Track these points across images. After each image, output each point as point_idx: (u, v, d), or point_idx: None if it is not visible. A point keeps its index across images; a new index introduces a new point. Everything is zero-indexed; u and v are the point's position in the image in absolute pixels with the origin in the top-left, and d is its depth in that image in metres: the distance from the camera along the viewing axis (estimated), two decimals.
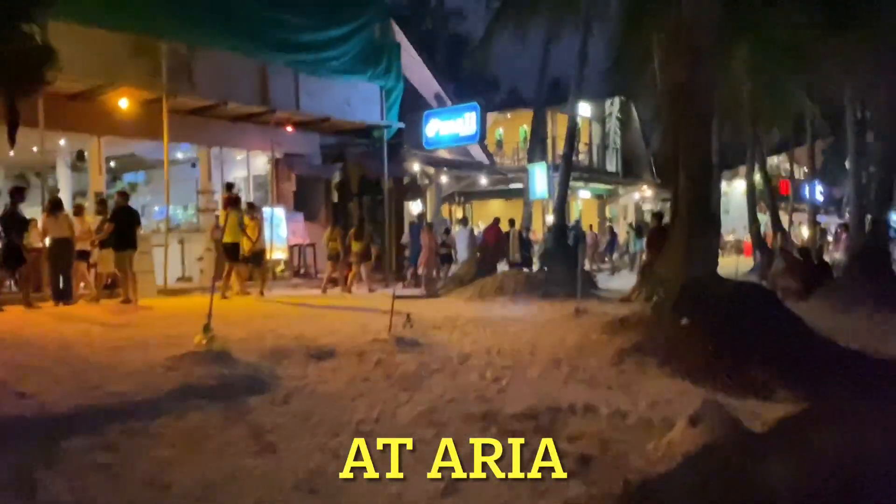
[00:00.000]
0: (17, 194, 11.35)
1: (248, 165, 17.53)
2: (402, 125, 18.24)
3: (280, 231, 16.51)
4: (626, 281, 19.20)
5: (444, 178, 23.10)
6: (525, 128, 32.73)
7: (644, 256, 13.80)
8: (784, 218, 42.31)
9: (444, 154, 22.98)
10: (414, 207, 22.85)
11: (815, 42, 11.96)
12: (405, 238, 17.97)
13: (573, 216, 30.54)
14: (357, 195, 18.74)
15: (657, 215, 13.37)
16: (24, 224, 11.27)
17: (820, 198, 46.17)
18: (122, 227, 11.76)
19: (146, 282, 12.91)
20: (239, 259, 12.83)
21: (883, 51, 11.47)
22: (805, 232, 37.67)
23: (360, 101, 17.59)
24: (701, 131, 8.34)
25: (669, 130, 11.95)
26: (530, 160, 28.09)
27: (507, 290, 11.98)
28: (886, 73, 12.48)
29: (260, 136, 16.28)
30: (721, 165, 39.48)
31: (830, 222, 41.72)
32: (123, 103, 13.90)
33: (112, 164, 18.77)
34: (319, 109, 16.78)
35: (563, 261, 16.85)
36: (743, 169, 43.53)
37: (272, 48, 15.17)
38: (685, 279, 8.54)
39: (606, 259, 21.84)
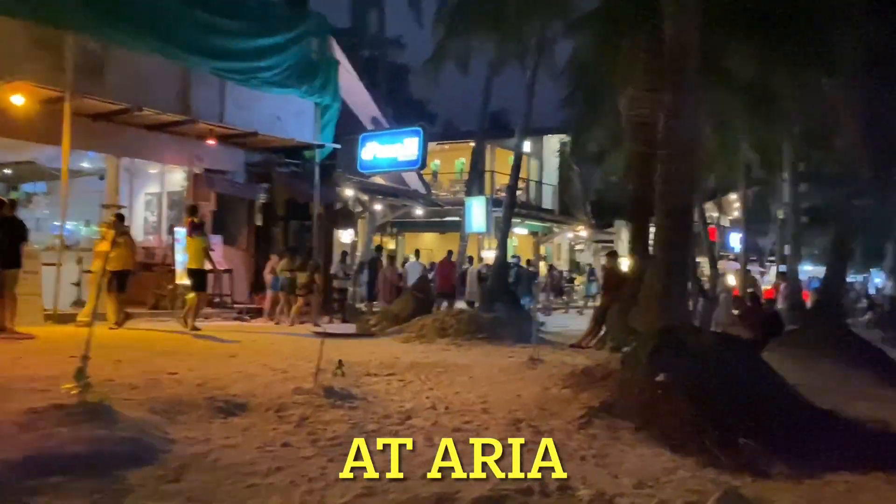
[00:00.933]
0: None
1: (162, 180, 15.85)
2: (336, 146, 16.96)
3: None
4: (564, 321, 18.33)
5: (377, 207, 21.85)
6: (462, 160, 31.98)
7: (598, 300, 12.87)
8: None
9: (379, 181, 21.79)
10: (345, 236, 21.47)
11: (778, 79, 11.40)
12: (335, 268, 16.59)
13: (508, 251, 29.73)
14: (283, 219, 17.26)
15: (612, 254, 12.48)
16: None
17: (739, 246, 47.38)
18: (4, 243, 10.04)
19: (31, 306, 11.09)
20: (205, 287, 12.33)
21: (849, 91, 11.01)
22: (731, 280, 37.72)
23: (291, 116, 16.23)
24: (683, 162, 7.42)
25: (635, 165, 11.13)
26: (468, 193, 27.18)
27: (449, 331, 10.78)
28: (846, 116, 12.07)
29: (178, 148, 14.71)
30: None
31: (752, 271, 41.88)
32: (18, 100, 12.14)
33: (7, 171, 16.76)
34: (246, 123, 15.34)
35: (506, 300, 15.86)
36: None
37: (197, 53, 13.68)
38: (660, 327, 7.58)
39: (545, 299, 20.92)
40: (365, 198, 21.68)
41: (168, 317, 13.86)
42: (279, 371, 7.66)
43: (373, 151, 16.98)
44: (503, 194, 30.51)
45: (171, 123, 14.50)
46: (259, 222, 17.21)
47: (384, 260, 18.47)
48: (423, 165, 16.38)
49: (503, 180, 30.70)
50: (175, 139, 14.92)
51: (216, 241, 15.84)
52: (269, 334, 12.09)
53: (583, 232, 32.89)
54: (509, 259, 19.73)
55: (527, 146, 30.34)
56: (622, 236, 38.69)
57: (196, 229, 12.24)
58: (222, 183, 16.04)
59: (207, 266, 12.22)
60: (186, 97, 14.44)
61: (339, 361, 6.85)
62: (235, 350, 9.25)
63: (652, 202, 8.71)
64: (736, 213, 41.02)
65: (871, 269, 41.21)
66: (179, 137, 14.62)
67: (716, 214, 46.97)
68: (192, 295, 11.94)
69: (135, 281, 13.85)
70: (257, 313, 15.35)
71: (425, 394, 7.09)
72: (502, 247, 16.37)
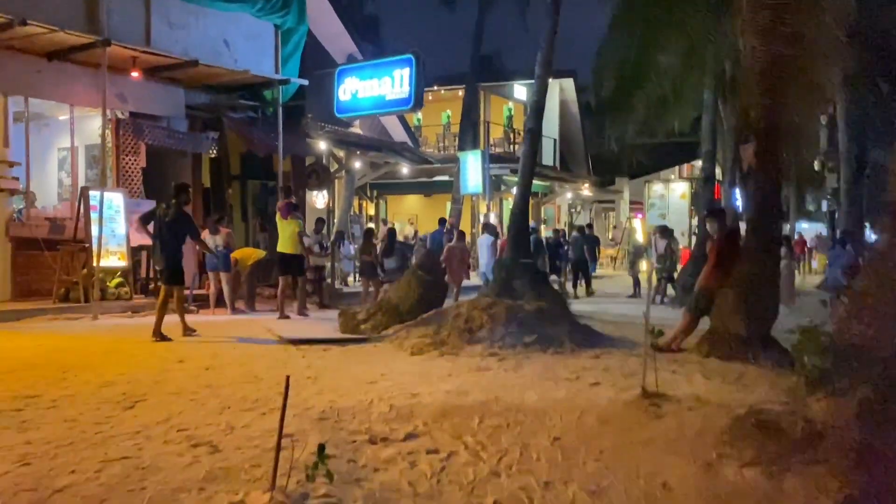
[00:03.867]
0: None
1: (71, 129, 11.92)
2: (303, 82, 13.12)
3: (117, 226, 11.06)
4: (592, 304, 14.88)
5: (357, 164, 18.06)
6: (448, 113, 28.17)
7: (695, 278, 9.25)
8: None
9: (358, 132, 17.99)
10: (318, 200, 17.68)
11: None
12: (308, 241, 12.88)
13: (504, 216, 26.17)
14: (239, 178, 13.51)
15: (716, 214, 8.89)
16: None
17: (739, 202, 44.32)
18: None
19: None
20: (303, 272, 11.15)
21: None
22: None
23: (243, 41, 12.43)
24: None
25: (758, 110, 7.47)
26: (461, 147, 23.50)
27: (480, 332, 7.21)
28: None
29: (89, 83, 10.79)
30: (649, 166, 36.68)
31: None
32: None
33: None
34: (183, 49, 11.50)
35: (530, 279, 12.31)
36: (678, 170, 41.05)
37: None
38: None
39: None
40: (341, 153, 17.88)
41: (81, 312, 10.15)
42: (205, 445, 4.03)
43: (352, 89, 13.18)
44: (498, 149, 27.02)
45: (77, 48, 10.58)
46: (207, 182, 13.43)
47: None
48: (418, 105, 12.66)
49: (498, 133, 27.03)
50: (85, 72, 10.99)
51: (149, 206, 12.04)
52: (207, 342, 8.42)
53: (586, 191, 29.39)
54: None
55: (523, 93, 26.65)
56: (625, 195, 35.41)
57: (292, 210, 10.99)
58: (155, 132, 12.17)
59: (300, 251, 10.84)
60: (95, 10, 10.54)
61: (319, 450, 3.21)
62: (141, 387, 5.57)
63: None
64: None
65: None
66: (92, 70, 10.70)
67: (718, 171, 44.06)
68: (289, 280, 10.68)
69: (34, 263, 10.17)
70: (205, 302, 11.69)
71: (493, 497, 3.56)
72: (521, 206, 12.76)
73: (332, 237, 15.41)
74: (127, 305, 10.88)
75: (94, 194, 10.54)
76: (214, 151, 12.89)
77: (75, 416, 4.56)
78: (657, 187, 34.74)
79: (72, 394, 5.14)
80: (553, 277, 14.92)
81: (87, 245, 10.53)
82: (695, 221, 36.53)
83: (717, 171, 43.45)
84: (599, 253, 20.07)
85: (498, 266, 12.81)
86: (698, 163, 43.54)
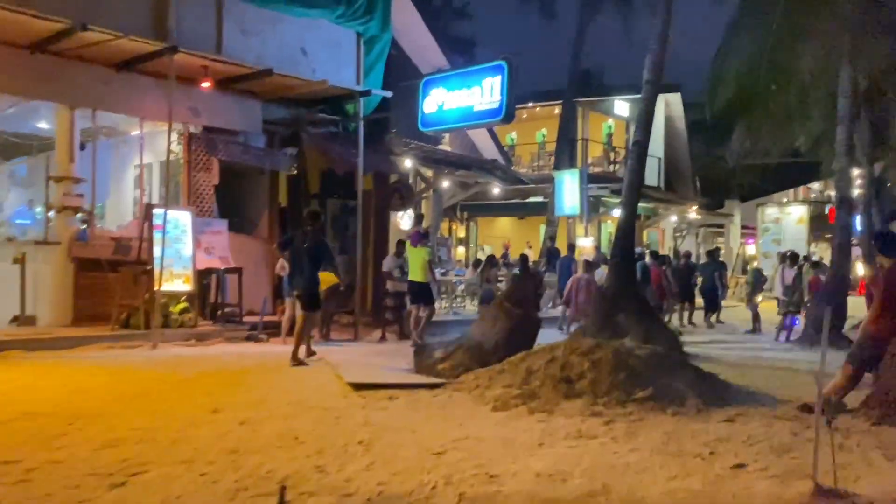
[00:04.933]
0: None
1: (141, 143, 11.32)
2: (386, 93, 12.10)
3: (183, 247, 10.28)
4: (707, 341, 13.05)
5: (445, 183, 16.95)
6: (544, 132, 26.81)
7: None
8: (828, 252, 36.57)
9: (447, 149, 16.91)
10: (403, 222, 16.65)
11: None
12: (388, 265, 11.82)
13: (602, 240, 24.44)
14: (318, 197, 12.62)
15: (889, 241, 7.15)
16: None
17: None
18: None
19: None
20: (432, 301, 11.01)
21: None
22: (860, 270, 30.83)
23: (323, 50, 11.54)
24: None
25: None
26: (557, 166, 22.05)
27: (581, 384, 5.79)
28: None
29: (162, 96, 10.09)
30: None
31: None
32: None
33: None
34: (258, 57, 10.69)
35: (635, 313, 10.73)
36: (794, 192, 37.96)
37: None
38: None
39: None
40: (429, 172, 16.83)
41: (141, 340, 9.37)
42: None
43: (438, 100, 12.07)
44: (597, 168, 25.36)
45: (145, 57, 9.93)
46: (284, 202, 12.60)
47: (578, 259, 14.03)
48: (510, 116, 11.38)
49: (597, 151, 25.42)
50: (155, 83, 10.33)
51: (220, 226, 11.29)
52: (268, 373, 7.34)
53: (692, 214, 27.21)
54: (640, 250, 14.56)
55: (624, 108, 24.98)
56: (735, 220, 32.82)
57: (422, 239, 11.07)
58: (230, 147, 11.42)
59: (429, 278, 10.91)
60: (163, 17, 9.89)
61: None
62: (151, 450, 4.47)
63: None
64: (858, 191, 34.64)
65: None
66: (162, 81, 10.01)
67: (831, 192, 40.55)
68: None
69: (97, 285, 9.52)
70: (277, 329, 10.75)
71: None
72: (626, 230, 11.23)
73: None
74: (191, 333, 10.04)
75: (158, 212, 9.79)
76: (292, 168, 12.03)
77: (43, 497, 3.47)
78: (771, 210, 31.97)
79: (59, 459, 4.08)
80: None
81: (149, 267, 9.76)
82: (814, 248, 33.55)
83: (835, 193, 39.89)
84: (726, 280, 18.24)
85: (599, 298, 11.29)
86: (815, 185, 40.58)
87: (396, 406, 5.78)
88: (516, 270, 12.61)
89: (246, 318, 11.10)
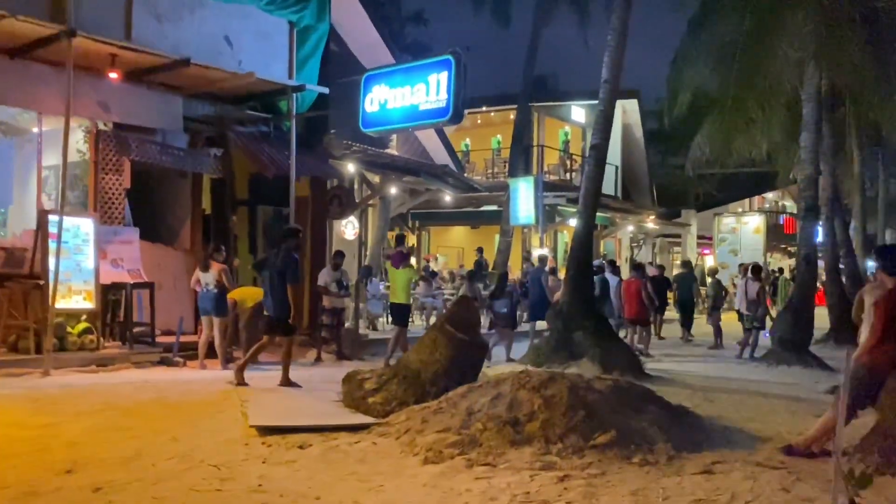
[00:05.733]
0: None
1: (39, 142, 10.01)
2: (322, 90, 11.02)
3: (84, 258, 9.01)
4: (668, 357, 12.24)
5: (393, 190, 15.89)
6: (499, 138, 25.95)
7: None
8: (786, 262, 36.44)
9: (394, 153, 15.86)
10: (347, 231, 15.55)
11: None
12: (324, 278, 10.72)
13: (558, 251, 23.64)
14: (248, 204, 11.45)
15: (888, 255, 6.27)
16: None
17: (821, 239, 40.49)
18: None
19: None
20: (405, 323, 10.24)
21: None
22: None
23: (250, 40, 10.40)
24: None
25: None
26: (511, 174, 21.16)
27: (530, 426, 4.77)
28: None
29: (60, 87, 8.83)
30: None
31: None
32: None
33: None
34: (170, 45, 9.50)
35: (593, 331, 9.88)
36: (748, 202, 37.81)
37: None
38: None
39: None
40: (375, 178, 15.75)
41: (33, 366, 8.09)
42: None
43: (381, 98, 11.00)
44: (553, 176, 24.54)
45: (40, 42, 8.68)
46: (209, 208, 11.39)
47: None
48: (458, 116, 10.38)
49: (553, 158, 24.63)
50: (54, 73, 9.06)
51: (131, 235, 10.04)
52: (164, 410, 6.17)
53: (650, 224, 26.61)
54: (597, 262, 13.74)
55: (581, 115, 24.27)
56: (692, 230, 32.40)
57: (405, 259, 10.60)
58: (145, 147, 10.17)
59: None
60: None
61: None
62: None
63: None
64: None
65: None
66: (62, 70, 8.75)
67: (786, 203, 40.59)
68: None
69: None
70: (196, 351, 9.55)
71: None
72: (583, 239, 10.33)
73: (359, 273, 13.22)
74: (92, 357, 8.77)
75: (53, 219, 8.52)
76: (217, 172, 10.84)
77: None
78: (728, 220, 31.62)
79: None
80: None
81: (42, 282, 8.48)
82: (771, 259, 33.32)
83: (790, 202, 39.86)
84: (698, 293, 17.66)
85: (554, 315, 10.37)
86: (769, 195, 40.51)
87: (306, 459, 4.68)
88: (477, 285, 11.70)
89: (161, 339, 9.88)
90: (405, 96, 10.82)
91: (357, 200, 15.80)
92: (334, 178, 12.44)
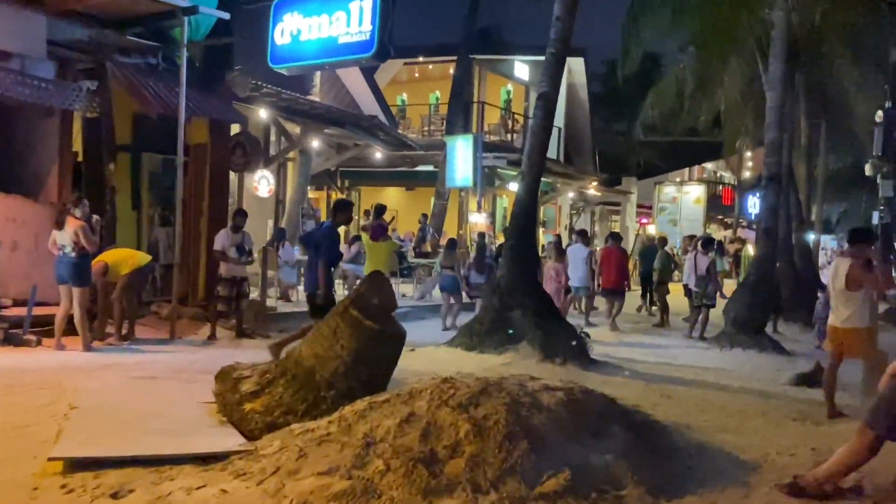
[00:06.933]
0: None
1: None
2: (222, 14, 9.17)
3: None
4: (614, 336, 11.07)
5: (314, 143, 14.13)
6: (438, 94, 24.26)
7: None
8: (722, 234, 36.09)
9: (317, 99, 14.06)
10: (261, 187, 13.73)
11: None
12: (222, 242, 9.00)
13: (497, 217, 22.27)
14: (129, 149, 9.59)
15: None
16: None
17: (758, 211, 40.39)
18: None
19: None
20: None
21: None
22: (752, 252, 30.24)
23: None
24: None
25: None
26: (449, 131, 19.58)
27: (452, 463, 3.38)
28: None
29: None
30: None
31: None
32: None
33: None
34: None
35: (533, 310, 8.56)
36: (687, 172, 37.19)
37: None
38: None
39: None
40: (296, 129, 13.96)
41: None
42: None
43: (293, 28, 9.22)
44: (494, 137, 23.00)
45: None
46: (81, 154, 9.49)
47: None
48: (384, 52, 8.70)
49: (494, 118, 23.09)
50: None
51: None
52: None
53: (592, 191, 25.48)
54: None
55: (525, 72, 22.73)
56: (632, 198, 31.48)
57: (384, 233, 10.62)
58: None
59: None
60: None
61: None
62: None
63: None
64: (747, 174, 34.12)
65: None
66: None
67: (725, 174, 40.29)
68: None
69: None
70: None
71: None
72: (525, 205, 8.91)
73: (272, 237, 11.56)
74: None
75: None
76: (91, 110, 8.91)
77: None
78: (669, 189, 30.81)
79: None
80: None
81: None
82: (709, 230, 32.79)
83: (727, 173, 39.48)
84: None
85: (490, 290, 8.98)
86: (709, 165, 40.07)
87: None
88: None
89: (12, 312, 8.07)
90: (322, 27, 9.09)
91: (274, 153, 14.02)
92: (239, 124, 10.63)
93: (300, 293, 12.05)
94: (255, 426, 4.73)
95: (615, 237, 12.73)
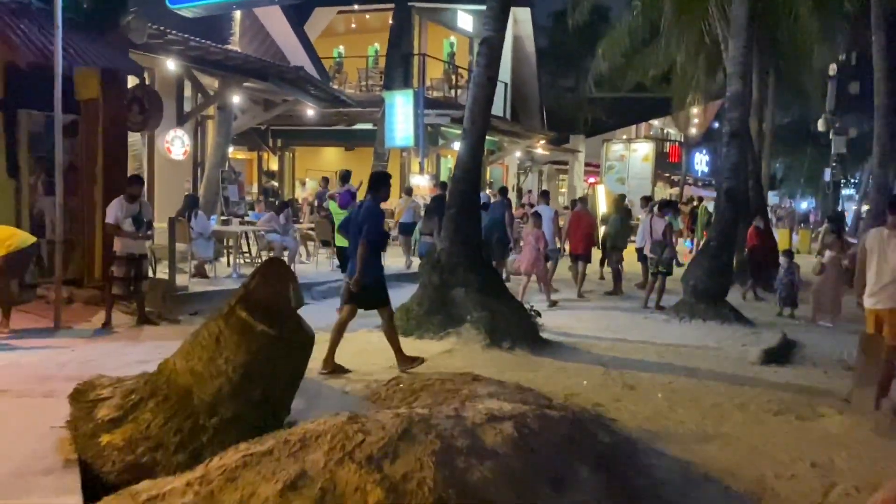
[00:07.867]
0: None
1: None
2: None
3: None
4: (563, 308, 10.15)
5: (237, 99, 12.66)
6: (377, 46, 22.75)
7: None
8: (668, 192, 35.68)
9: (236, 48, 12.58)
10: (173, 146, 12.26)
11: None
12: (115, 213, 7.65)
13: (442, 178, 21.10)
14: (2, 106, 8.12)
15: None
16: None
17: (705, 168, 40.12)
18: None
19: None
20: None
21: None
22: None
23: None
24: None
25: None
26: (387, 87, 18.22)
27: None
28: None
29: None
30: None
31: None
32: None
33: None
34: None
35: (478, 284, 7.56)
36: (634, 129, 36.48)
37: None
38: None
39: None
40: (214, 83, 12.45)
41: None
42: None
43: None
44: (437, 93, 21.64)
45: None
46: None
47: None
48: None
49: (437, 72, 21.74)
50: None
51: None
52: None
53: (539, 149, 24.48)
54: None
55: (469, 23, 21.37)
56: (580, 157, 30.62)
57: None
58: None
59: None
60: None
61: None
62: None
63: None
64: (694, 130, 33.60)
65: None
66: None
67: (672, 130, 39.78)
68: None
69: None
70: None
71: None
72: (468, 166, 7.82)
73: (183, 205, 10.22)
74: None
75: None
76: None
77: None
78: (617, 147, 30.02)
79: None
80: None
81: None
82: (657, 189, 32.26)
83: (673, 130, 38.92)
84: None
85: (429, 264, 7.91)
86: (655, 122, 39.45)
87: None
88: None
89: None
90: None
91: (188, 110, 12.54)
92: (135, 76, 9.18)
93: (217, 268, 10.79)
94: (112, 467, 3.62)
95: (583, 201, 12.60)
